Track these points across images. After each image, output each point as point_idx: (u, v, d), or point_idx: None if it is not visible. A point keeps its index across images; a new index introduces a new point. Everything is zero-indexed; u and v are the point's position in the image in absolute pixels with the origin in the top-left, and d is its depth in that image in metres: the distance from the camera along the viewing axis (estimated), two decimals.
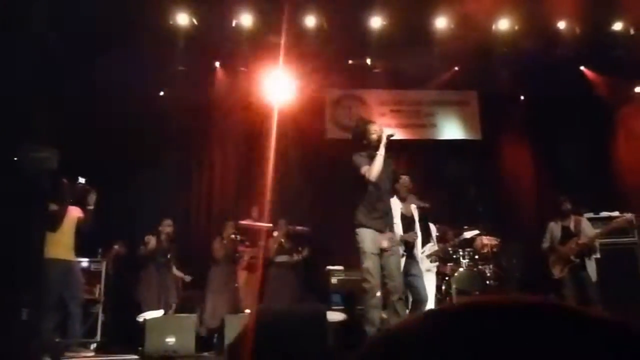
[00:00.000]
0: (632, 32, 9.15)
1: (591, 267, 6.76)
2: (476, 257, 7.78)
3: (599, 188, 8.90)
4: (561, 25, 9.07)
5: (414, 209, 6.29)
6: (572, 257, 6.77)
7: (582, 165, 9.76)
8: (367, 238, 5.05)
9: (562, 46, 9.17)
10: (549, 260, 7.02)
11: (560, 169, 10.00)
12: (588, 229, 6.98)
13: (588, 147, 10.04)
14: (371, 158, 5.10)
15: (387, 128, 5.29)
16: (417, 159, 9.99)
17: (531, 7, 8.63)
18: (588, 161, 9.86)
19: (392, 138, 5.17)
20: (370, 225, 5.08)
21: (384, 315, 5.03)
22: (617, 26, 9.12)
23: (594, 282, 6.70)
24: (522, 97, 10.72)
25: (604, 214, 7.86)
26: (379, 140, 5.12)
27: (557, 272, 6.86)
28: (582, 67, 10.28)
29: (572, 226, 6.99)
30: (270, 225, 8.50)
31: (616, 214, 7.86)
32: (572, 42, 9.12)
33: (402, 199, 6.24)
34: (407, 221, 6.17)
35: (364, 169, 5.05)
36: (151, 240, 7.75)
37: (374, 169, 5.02)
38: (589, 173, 9.56)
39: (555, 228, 7.07)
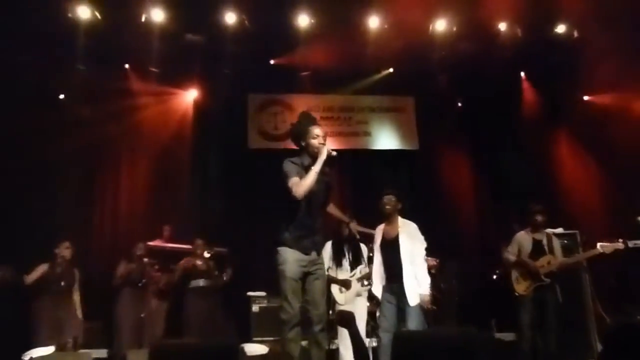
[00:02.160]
0: (575, 34, 9.34)
1: (556, 289, 6.71)
2: None
3: (544, 202, 9.03)
4: (502, 27, 9.18)
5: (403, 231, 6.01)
6: (542, 276, 6.65)
7: (524, 176, 9.91)
8: (289, 260, 4.71)
9: (502, 49, 9.28)
10: (511, 275, 6.86)
11: (501, 179, 10.15)
12: (558, 249, 6.88)
13: (530, 157, 10.23)
14: (305, 168, 4.73)
15: (330, 147, 4.82)
16: (349, 170, 9.91)
17: (470, 7, 8.67)
18: (530, 171, 10.02)
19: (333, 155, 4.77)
20: (293, 245, 4.74)
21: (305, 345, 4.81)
22: (560, 29, 9.30)
23: (559, 305, 6.65)
24: (459, 104, 10.83)
25: (549, 230, 7.93)
26: (317, 151, 4.76)
27: (521, 288, 6.70)
28: (522, 73, 10.51)
29: (545, 241, 6.86)
30: (185, 246, 8.23)
31: (560, 230, 7.97)
32: (512, 45, 9.25)
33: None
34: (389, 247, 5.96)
35: (292, 181, 4.62)
36: (40, 267, 7.30)
37: (304, 185, 4.59)
38: (531, 184, 9.70)
39: (525, 240, 6.88)
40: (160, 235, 8.54)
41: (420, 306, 5.72)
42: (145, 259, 7.87)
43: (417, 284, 5.74)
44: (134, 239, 8.20)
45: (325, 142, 4.84)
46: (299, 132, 4.90)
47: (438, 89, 10.11)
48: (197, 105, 9.87)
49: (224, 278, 7.98)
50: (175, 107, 9.76)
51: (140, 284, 7.82)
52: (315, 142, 4.80)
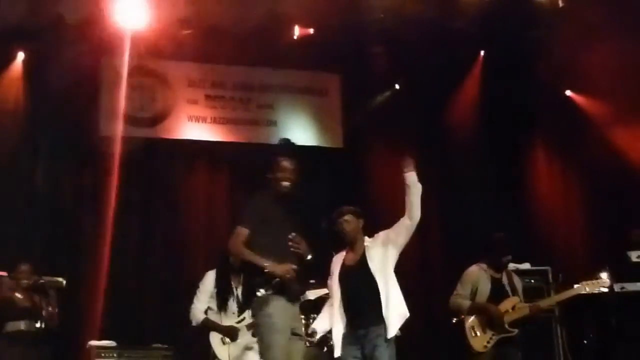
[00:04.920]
0: (560, 3, 9.54)
1: (519, 344, 6.89)
2: None
3: (507, 227, 9.38)
4: None
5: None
6: (506, 326, 6.79)
7: (481, 192, 10.26)
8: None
9: (459, 16, 9.54)
10: (465, 325, 6.96)
11: (450, 193, 10.50)
12: (519, 290, 7.06)
13: (489, 166, 10.64)
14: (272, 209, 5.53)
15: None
16: (244, 174, 9.95)
17: None
18: (489, 186, 10.38)
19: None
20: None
21: None
22: None
23: None
24: (397, 86, 11.09)
25: (512, 266, 8.21)
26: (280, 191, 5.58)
27: (479, 344, 6.83)
28: (481, 52, 10.88)
29: (504, 279, 7.03)
30: (1, 273, 8.06)
31: (527, 266, 8.28)
32: (473, 12, 9.48)
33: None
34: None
35: (238, 232, 5.48)
36: None
37: (241, 253, 5.54)
38: (488, 203, 10.05)
39: (481, 278, 7.00)
40: None
41: (393, 350, 5.86)
42: None
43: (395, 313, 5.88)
44: None
45: (291, 179, 5.62)
46: (269, 163, 5.75)
47: (372, 66, 10.30)
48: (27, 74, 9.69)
49: (53, 321, 7.88)
50: None
51: None
52: (282, 184, 5.62)
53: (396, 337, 5.91)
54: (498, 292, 6.95)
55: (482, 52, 10.86)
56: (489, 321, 6.88)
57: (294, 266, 5.36)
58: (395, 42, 9.99)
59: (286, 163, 5.66)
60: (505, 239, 7.09)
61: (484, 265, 7.06)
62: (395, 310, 5.86)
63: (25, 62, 9.69)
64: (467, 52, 10.71)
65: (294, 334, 6.75)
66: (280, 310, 5.30)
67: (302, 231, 5.62)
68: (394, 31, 9.73)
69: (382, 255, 6.02)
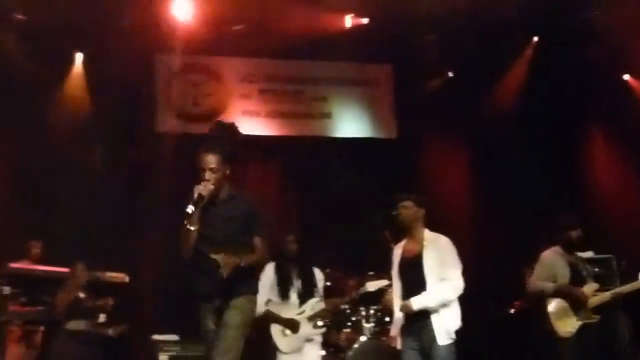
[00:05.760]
0: None
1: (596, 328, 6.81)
2: (385, 319, 7.81)
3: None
4: None
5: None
6: (592, 312, 6.68)
7: (539, 179, 10.18)
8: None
9: (512, 4, 9.47)
10: (547, 309, 6.82)
11: (507, 181, 10.38)
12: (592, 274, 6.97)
13: (547, 153, 10.52)
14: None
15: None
16: (298, 168, 10.07)
17: None
18: (547, 173, 10.30)
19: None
20: None
21: None
22: None
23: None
24: (450, 74, 11.03)
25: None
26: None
27: (565, 328, 6.69)
28: (534, 38, 10.75)
29: (581, 266, 6.93)
30: (62, 269, 8.20)
31: (590, 254, 8.18)
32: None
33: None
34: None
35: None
36: None
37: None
38: (547, 191, 9.95)
39: (558, 262, 6.88)
40: (28, 254, 8.50)
41: (451, 349, 5.82)
42: (6, 288, 7.80)
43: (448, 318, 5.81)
44: None
45: (205, 178, 5.08)
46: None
47: (424, 55, 10.28)
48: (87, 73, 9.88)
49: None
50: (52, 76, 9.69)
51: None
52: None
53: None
54: (577, 277, 6.80)
55: (535, 38, 10.73)
56: (573, 305, 6.73)
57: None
58: (446, 30, 9.95)
59: (201, 158, 5.12)
60: (574, 218, 7.02)
61: (558, 249, 6.93)
62: (442, 323, 5.78)
63: (84, 62, 9.87)
64: (519, 38, 10.60)
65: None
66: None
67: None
68: (445, 19, 9.70)
69: (439, 264, 5.89)
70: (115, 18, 9.08)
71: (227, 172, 5.13)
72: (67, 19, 8.91)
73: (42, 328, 8.15)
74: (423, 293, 5.76)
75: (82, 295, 7.96)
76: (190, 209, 4.86)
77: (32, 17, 8.98)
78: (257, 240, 5.17)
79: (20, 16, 8.98)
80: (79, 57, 9.86)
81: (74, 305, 7.91)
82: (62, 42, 9.37)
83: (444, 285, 5.80)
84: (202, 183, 4.98)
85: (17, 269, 8.12)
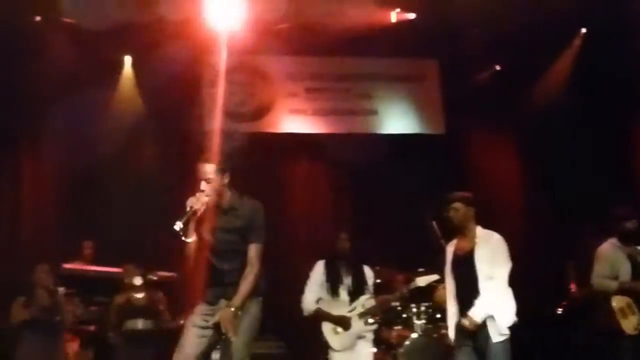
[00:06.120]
0: None
1: None
2: (437, 315, 7.80)
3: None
4: None
5: None
6: None
7: (592, 171, 10.08)
8: None
9: None
10: (613, 307, 6.76)
11: (562, 177, 10.30)
12: None
13: (602, 145, 10.37)
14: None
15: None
16: (346, 165, 10.06)
17: None
18: (603, 166, 10.18)
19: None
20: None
21: None
22: None
23: None
24: (497, 67, 10.98)
25: None
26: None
27: (630, 325, 6.65)
28: (582, 30, 10.65)
29: (639, 258, 6.86)
30: (115, 269, 8.28)
31: None
32: None
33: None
34: None
35: None
36: None
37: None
38: (602, 183, 9.83)
39: (617, 257, 6.85)
40: (81, 254, 8.62)
41: (505, 346, 5.81)
42: (61, 288, 7.87)
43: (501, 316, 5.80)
44: (40, 260, 8.19)
45: (200, 189, 5.06)
46: None
47: (470, 49, 10.24)
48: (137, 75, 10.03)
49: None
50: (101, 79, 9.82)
51: (52, 324, 7.80)
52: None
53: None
54: (638, 271, 6.78)
55: (582, 30, 10.62)
56: (637, 301, 6.72)
57: None
58: (493, 23, 9.85)
59: (198, 168, 5.13)
60: (629, 209, 6.96)
61: (615, 241, 6.91)
62: (494, 321, 5.78)
63: (134, 64, 10.05)
64: (566, 30, 10.47)
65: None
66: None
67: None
68: (491, 12, 9.62)
69: (490, 261, 5.91)
70: (162, 20, 9.13)
71: (226, 180, 5.08)
72: (114, 22, 9.01)
73: (93, 328, 8.28)
74: (479, 302, 5.75)
75: (137, 295, 8.04)
76: (178, 225, 4.88)
77: (81, 22, 9.07)
78: (251, 249, 5.14)
79: (69, 20, 9.08)
80: (127, 60, 10.01)
81: (128, 305, 8.02)
82: (110, 45, 9.46)
83: (493, 287, 5.81)
84: (196, 194, 4.97)
85: (70, 269, 8.23)
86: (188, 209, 4.93)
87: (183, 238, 4.91)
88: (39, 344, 7.80)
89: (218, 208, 5.09)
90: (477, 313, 5.74)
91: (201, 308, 5.12)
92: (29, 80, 9.20)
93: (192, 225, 4.96)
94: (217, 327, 4.95)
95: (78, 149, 9.34)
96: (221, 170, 5.03)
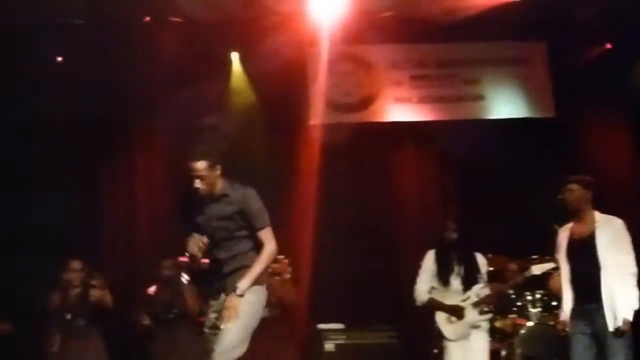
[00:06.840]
0: None
1: None
2: (552, 303, 7.72)
3: None
4: None
5: None
6: None
7: None
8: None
9: None
10: None
11: None
12: None
13: None
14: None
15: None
16: (453, 152, 10.02)
17: None
18: None
19: None
20: None
21: None
22: None
23: None
24: (608, 46, 10.65)
25: None
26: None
27: None
28: None
29: None
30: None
31: None
32: None
33: None
34: None
35: None
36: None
37: None
38: None
39: None
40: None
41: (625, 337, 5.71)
42: (185, 277, 7.73)
43: (622, 304, 5.69)
44: (158, 253, 8.50)
45: (194, 185, 5.10)
46: None
47: (580, 28, 10.01)
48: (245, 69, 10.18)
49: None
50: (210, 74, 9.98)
51: (171, 315, 7.93)
52: None
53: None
54: None
55: None
56: None
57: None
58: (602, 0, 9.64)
59: (189, 166, 5.14)
60: None
61: None
62: (614, 310, 5.68)
63: (242, 59, 10.19)
64: None
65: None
66: None
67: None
68: None
69: (614, 247, 5.79)
70: (267, 13, 9.25)
71: (218, 172, 5.12)
72: (220, 17, 9.19)
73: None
74: (621, 298, 5.66)
75: None
76: (185, 279, 4.93)
77: (187, 20, 9.26)
78: (262, 235, 5.16)
79: (176, 19, 9.27)
80: (235, 57, 10.16)
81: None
82: (218, 40, 9.67)
83: (631, 288, 5.71)
84: (192, 236, 5.06)
85: (186, 262, 8.38)
86: (188, 255, 5.12)
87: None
88: (160, 336, 7.99)
89: (211, 197, 5.13)
90: (626, 311, 5.66)
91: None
92: (142, 79, 9.45)
93: (199, 258, 5.11)
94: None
95: (185, 146, 9.50)
96: (211, 166, 5.07)
